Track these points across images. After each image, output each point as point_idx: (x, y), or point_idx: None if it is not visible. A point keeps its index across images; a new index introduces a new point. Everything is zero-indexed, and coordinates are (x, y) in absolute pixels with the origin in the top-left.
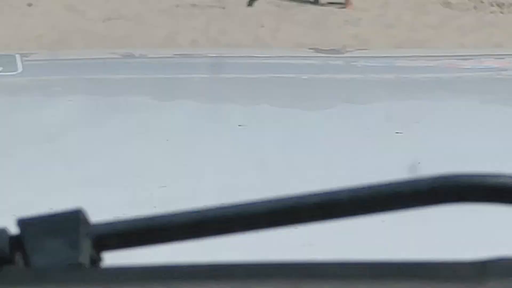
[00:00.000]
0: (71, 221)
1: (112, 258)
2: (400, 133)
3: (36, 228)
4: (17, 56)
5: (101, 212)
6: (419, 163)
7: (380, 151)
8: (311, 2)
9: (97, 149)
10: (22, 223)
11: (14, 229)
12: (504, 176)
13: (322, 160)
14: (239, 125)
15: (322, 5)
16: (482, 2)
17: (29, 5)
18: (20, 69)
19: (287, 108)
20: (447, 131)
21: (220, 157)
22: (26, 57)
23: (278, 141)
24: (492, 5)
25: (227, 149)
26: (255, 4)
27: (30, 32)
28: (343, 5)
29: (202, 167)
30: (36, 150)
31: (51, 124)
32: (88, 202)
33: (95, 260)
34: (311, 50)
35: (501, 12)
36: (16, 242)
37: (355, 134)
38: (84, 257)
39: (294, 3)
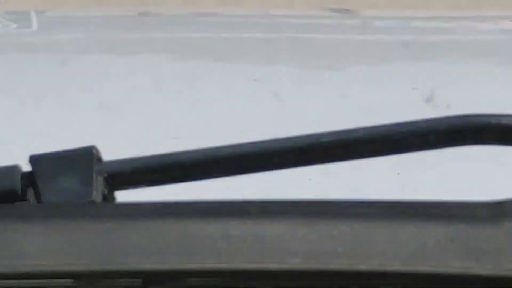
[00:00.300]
0: (84, 159)
1: (125, 197)
2: (416, 88)
3: (49, 165)
4: (32, 13)
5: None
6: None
7: (396, 106)
8: None
9: (111, 103)
10: (35, 160)
11: (26, 166)
12: None
13: (337, 117)
14: (254, 80)
15: None
16: None
17: None
18: (35, 26)
19: (302, 67)
20: (462, 93)
21: (234, 109)
22: (42, 13)
23: (293, 94)
24: None
25: (241, 100)
26: None
27: None
28: None
29: (215, 119)
30: (49, 104)
31: (65, 81)
32: (102, 140)
33: (108, 198)
34: (324, 10)
35: None
36: (28, 179)
37: (370, 93)
38: (97, 195)
39: None
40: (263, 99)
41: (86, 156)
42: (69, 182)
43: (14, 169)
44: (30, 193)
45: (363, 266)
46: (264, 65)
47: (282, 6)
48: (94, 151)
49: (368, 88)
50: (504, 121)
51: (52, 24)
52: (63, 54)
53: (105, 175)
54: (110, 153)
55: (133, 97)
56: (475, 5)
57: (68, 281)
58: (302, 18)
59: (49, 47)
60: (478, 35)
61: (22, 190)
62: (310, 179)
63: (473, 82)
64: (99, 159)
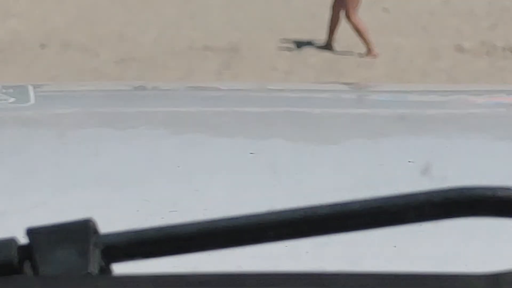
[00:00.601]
0: (81, 231)
1: (121, 269)
2: (412, 162)
3: (46, 237)
4: (30, 87)
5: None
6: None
7: (392, 179)
8: (324, 47)
9: (109, 177)
10: (32, 232)
11: (23, 239)
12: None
13: (333, 189)
14: (251, 153)
15: (336, 51)
16: (494, 47)
17: (42, 46)
18: (32, 101)
19: (299, 140)
20: (457, 166)
21: (231, 182)
22: (39, 87)
23: (289, 169)
24: (504, 51)
25: (238, 174)
26: (267, 47)
27: (44, 73)
28: (363, 54)
29: (212, 192)
30: (46, 179)
31: (62, 156)
32: (98, 213)
33: (104, 271)
34: (322, 84)
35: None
36: (25, 252)
37: (366, 166)
38: (93, 267)
39: (307, 47)
40: (259, 171)
41: (83, 229)
42: (66, 254)
43: (11, 241)
44: (27, 266)
45: None
46: (260, 138)
47: (280, 80)
48: (91, 223)
49: (364, 161)
50: (500, 193)
51: (49, 98)
52: (60, 128)
53: (102, 247)
54: (107, 225)
55: (130, 170)
56: (470, 79)
57: None
58: (298, 91)
59: (46, 121)
60: (473, 108)
61: (19, 262)
62: (307, 252)
63: (468, 154)
64: (96, 232)
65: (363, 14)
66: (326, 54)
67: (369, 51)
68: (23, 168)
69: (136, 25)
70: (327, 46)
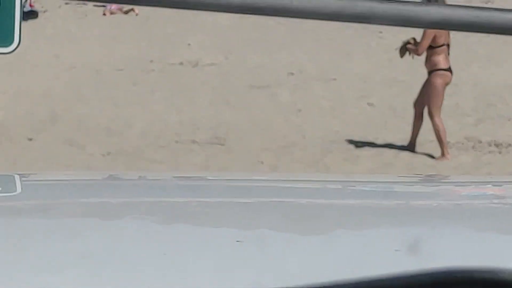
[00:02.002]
0: None
1: None
2: (399, 250)
3: None
4: (16, 176)
5: None
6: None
7: (379, 266)
8: (407, 148)
9: (95, 265)
10: None
11: None
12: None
13: (319, 276)
14: (237, 241)
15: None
16: (480, 142)
17: (29, 139)
18: (19, 190)
19: (285, 228)
20: (444, 256)
21: (218, 269)
22: (25, 177)
23: (276, 256)
24: (490, 145)
25: (225, 260)
26: (253, 141)
27: (31, 166)
28: (437, 157)
29: (199, 279)
30: (32, 266)
31: (49, 245)
32: None
33: None
34: (309, 175)
35: (499, 152)
36: None
37: (353, 255)
38: None
39: (296, 143)
40: (246, 258)
41: None
42: None
43: None
44: None
45: None
46: (247, 227)
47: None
48: None
49: (351, 250)
50: (486, 275)
51: (35, 188)
52: (46, 218)
53: None
54: None
55: (117, 258)
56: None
57: None
58: (285, 182)
59: (33, 211)
60: (459, 199)
61: None
62: None
63: (454, 243)
64: None
65: (348, 109)
66: (312, 149)
67: (443, 154)
68: (8, 257)
69: (123, 119)
70: (410, 145)
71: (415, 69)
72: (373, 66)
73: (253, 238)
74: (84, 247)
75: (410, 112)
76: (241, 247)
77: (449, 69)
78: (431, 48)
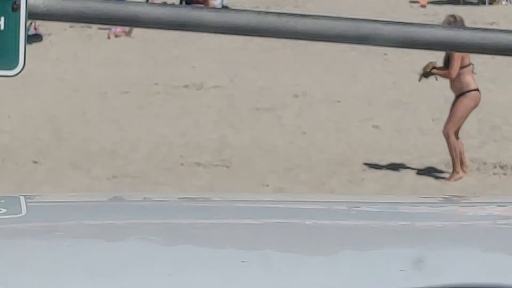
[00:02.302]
0: None
1: None
2: (404, 270)
3: None
4: (21, 198)
5: None
6: None
7: (384, 285)
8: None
9: (101, 287)
10: None
11: None
12: None
13: None
14: (242, 262)
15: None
16: (485, 164)
17: (34, 163)
18: (24, 212)
19: (290, 249)
20: (449, 276)
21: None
22: (31, 198)
23: (281, 276)
24: (495, 167)
25: (230, 281)
26: (258, 164)
27: (36, 190)
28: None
29: None
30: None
31: (54, 270)
32: None
33: None
34: (313, 196)
35: (504, 174)
36: None
37: (358, 275)
38: None
39: (301, 165)
40: (251, 280)
41: None
42: None
43: None
44: None
45: None
46: (252, 248)
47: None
48: None
49: (356, 271)
50: None
51: (41, 209)
52: (52, 239)
53: None
54: None
55: (123, 279)
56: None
57: None
58: (290, 203)
59: (39, 232)
60: (465, 220)
61: None
62: None
63: (459, 263)
64: None
65: (353, 131)
66: (318, 171)
67: (454, 171)
68: (14, 278)
69: (128, 142)
70: (454, 174)
71: (419, 91)
72: (378, 88)
73: (258, 259)
74: (89, 268)
75: (415, 134)
76: (246, 268)
77: (477, 89)
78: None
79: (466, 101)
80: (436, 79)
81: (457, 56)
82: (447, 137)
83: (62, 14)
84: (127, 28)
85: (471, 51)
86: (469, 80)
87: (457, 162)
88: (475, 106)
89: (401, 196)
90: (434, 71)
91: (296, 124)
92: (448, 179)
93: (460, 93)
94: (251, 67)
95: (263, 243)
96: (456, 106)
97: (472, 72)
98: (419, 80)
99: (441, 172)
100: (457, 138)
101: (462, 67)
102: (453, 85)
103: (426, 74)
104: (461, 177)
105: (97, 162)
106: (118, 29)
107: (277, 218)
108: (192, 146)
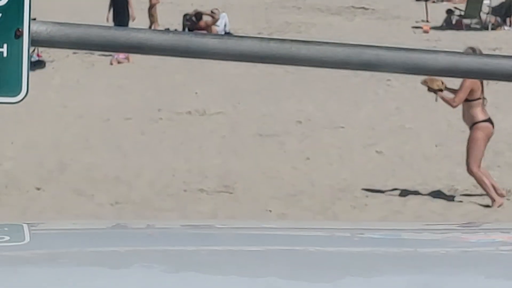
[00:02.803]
0: None
1: None
2: None
3: None
4: (25, 226)
5: None
6: None
7: None
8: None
9: None
10: None
11: None
12: None
13: None
14: None
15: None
16: None
17: (38, 189)
18: (27, 239)
19: (294, 277)
20: None
21: None
22: (34, 226)
23: None
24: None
25: None
26: (261, 190)
27: (40, 216)
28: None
29: None
30: None
31: None
32: None
33: None
34: (317, 222)
35: (508, 199)
36: None
37: None
38: None
39: (303, 189)
40: None
41: None
42: None
43: None
44: None
45: None
46: (256, 275)
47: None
48: None
49: None
50: None
51: (44, 236)
52: (55, 267)
53: None
54: None
55: None
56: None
57: None
58: (294, 230)
59: (42, 260)
60: (469, 247)
61: None
62: None
63: None
64: None
65: (356, 156)
66: (321, 196)
67: (493, 201)
68: None
69: (131, 169)
70: (493, 204)
71: (422, 117)
72: (380, 114)
73: (261, 286)
74: None
75: (418, 160)
76: None
77: (488, 120)
78: (467, 101)
79: (475, 134)
80: (436, 100)
81: (465, 88)
82: (472, 174)
83: (65, 41)
84: (129, 54)
85: (474, 77)
86: (478, 112)
87: (491, 192)
88: (487, 136)
89: (404, 222)
90: (439, 93)
91: (299, 150)
92: (492, 206)
93: (470, 125)
94: (254, 93)
95: (266, 270)
96: (468, 143)
97: (484, 105)
98: (428, 90)
99: (445, 197)
100: (479, 167)
101: (471, 100)
102: (464, 116)
103: (431, 89)
104: (501, 203)
105: (101, 189)
106: (121, 55)
107: (280, 245)
108: (195, 172)
